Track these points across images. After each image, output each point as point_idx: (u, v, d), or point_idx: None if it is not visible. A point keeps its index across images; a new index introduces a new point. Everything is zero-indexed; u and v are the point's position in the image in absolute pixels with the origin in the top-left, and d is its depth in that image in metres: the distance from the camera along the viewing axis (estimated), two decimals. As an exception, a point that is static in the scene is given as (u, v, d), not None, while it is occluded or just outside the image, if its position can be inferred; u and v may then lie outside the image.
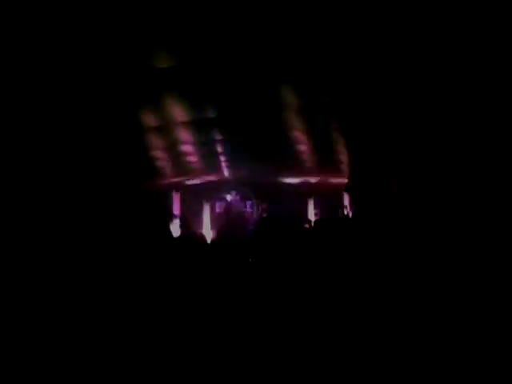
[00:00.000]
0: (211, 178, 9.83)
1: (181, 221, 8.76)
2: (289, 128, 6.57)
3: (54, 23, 3.10)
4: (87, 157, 5.91)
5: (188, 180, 9.57)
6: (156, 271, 3.35)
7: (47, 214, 5.57)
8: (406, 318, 2.79)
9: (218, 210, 11.87)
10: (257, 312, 3.01)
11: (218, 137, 6.60)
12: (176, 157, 7.52)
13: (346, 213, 9.48)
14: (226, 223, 8.46)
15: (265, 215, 9.33)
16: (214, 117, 5.70)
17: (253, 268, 3.38)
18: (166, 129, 5.84)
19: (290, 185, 9.35)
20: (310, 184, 10.92)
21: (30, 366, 2.66)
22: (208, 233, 9.86)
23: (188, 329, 2.90)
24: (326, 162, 8.15)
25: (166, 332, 2.90)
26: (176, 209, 10.05)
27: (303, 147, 7.66)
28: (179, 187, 10.04)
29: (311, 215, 10.60)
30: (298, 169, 9.14)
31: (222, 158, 8.24)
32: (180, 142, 6.87)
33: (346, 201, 9.61)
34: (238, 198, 11.62)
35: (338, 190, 9.51)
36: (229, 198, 11.67)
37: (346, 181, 8.82)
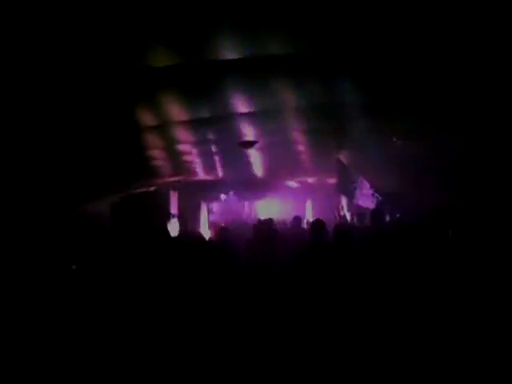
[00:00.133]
0: (209, 177, 9.83)
1: (180, 220, 8.75)
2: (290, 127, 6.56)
3: (51, 21, 3.08)
4: (84, 156, 5.90)
5: (189, 179, 9.56)
6: (156, 271, 3.34)
7: (47, 212, 5.56)
8: (410, 317, 2.80)
9: (216, 210, 11.86)
10: (256, 312, 3.01)
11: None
12: (175, 156, 7.51)
13: (342, 214, 9.46)
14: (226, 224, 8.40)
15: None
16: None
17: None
18: (168, 128, 5.83)
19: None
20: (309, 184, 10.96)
21: (30, 366, 2.65)
22: (206, 232, 9.87)
23: (187, 329, 2.90)
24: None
25: (165, 332, 2.89)
26: (174, 208, 10.05)
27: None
28: (177, 186, 10.05)
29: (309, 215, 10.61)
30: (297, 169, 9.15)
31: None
32: (178, 141, 6.87)
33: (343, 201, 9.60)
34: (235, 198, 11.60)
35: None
36: (227, 197, 11.67)
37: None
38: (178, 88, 4.61)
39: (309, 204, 11.35)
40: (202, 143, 6.81)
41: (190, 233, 6.84)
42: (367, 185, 8.35)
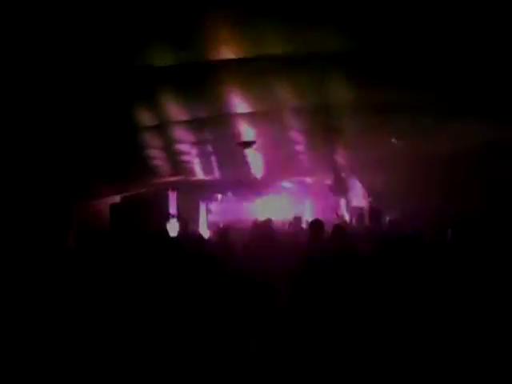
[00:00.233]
0: (208, 177, 9.83)
1: (180, 220, 8.75)
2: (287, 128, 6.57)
3: (50, 21, 3.08)
4: (83, 156, 5.90)
5: (185, 179, 9.56)
6: (153, 272, 3.35)
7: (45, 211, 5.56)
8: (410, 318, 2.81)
9: (214, 210, 11.88)
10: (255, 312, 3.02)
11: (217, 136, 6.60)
12: (174, 156, 7.52)
13: (340, 214, 9.47)
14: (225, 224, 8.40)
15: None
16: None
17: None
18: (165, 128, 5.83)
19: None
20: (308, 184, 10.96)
21: (29, 366, 2.66)
22: (205, 232, 9.88)
23: (187, 329, 2.91)
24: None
25: (164, 332, 2.90)
26: (173, 208, 10.06)
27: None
28: (176, 186, 10.05)
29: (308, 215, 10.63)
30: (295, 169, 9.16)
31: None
32: (178, 141, 6.87)
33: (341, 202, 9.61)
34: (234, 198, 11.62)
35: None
36: (225, 197, 11.69)
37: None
38: (175, 87, 4.61)
39: (308, 204, 11.37)
40: (200, 143, 6.82)
41: (190, 235, 6.84)
42: (359, 184, 8.38)
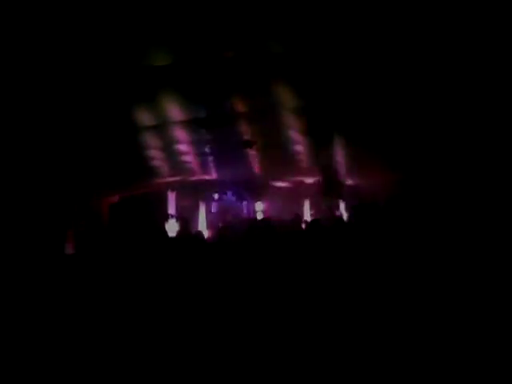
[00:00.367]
0: (207, 177, 9.86)
1: (179, 220, 8.77)
2: (284, 128, 6.61)
3: (51, 21, 3.09)
4: (83, 156, 5.92)
5: (184, 179, 9.58)
6: (155, 270, 3.36)
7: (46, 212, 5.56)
8: (405, 317, 2.82)
9: (214, 210, 11.88)
10: (255, 312, 3.03)
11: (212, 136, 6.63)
12: (172, 156, 7.54)
13: (338, 213, 9.50)
14: (224, 224, 8.46)
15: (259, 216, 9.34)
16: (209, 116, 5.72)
17: (248, 268, 3.41)
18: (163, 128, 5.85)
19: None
20: (306, 184, 10.97)
21: (29, 366, 2.68)
22: (204, 231, 9.87)
23: (186, 328, 2.92)
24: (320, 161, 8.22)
25: (164, 332, 2.91)
26: (172, 208, 10.07)
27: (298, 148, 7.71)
28: (175, 186, 10.06)
29: (307, 216, 10.64)
30: (293, 169, 9.20)
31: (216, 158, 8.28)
32: (176, 141, 6.88)
33: (339, 201, 9.65)
34: (233, 197, 11.65)
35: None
36: (225, 197, 11.71)
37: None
38: (175, 88, 4.62)
39: (307, 204, 11.37)
40: (199, 143, 6.84)
41: (191, 234, 6.85)
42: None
